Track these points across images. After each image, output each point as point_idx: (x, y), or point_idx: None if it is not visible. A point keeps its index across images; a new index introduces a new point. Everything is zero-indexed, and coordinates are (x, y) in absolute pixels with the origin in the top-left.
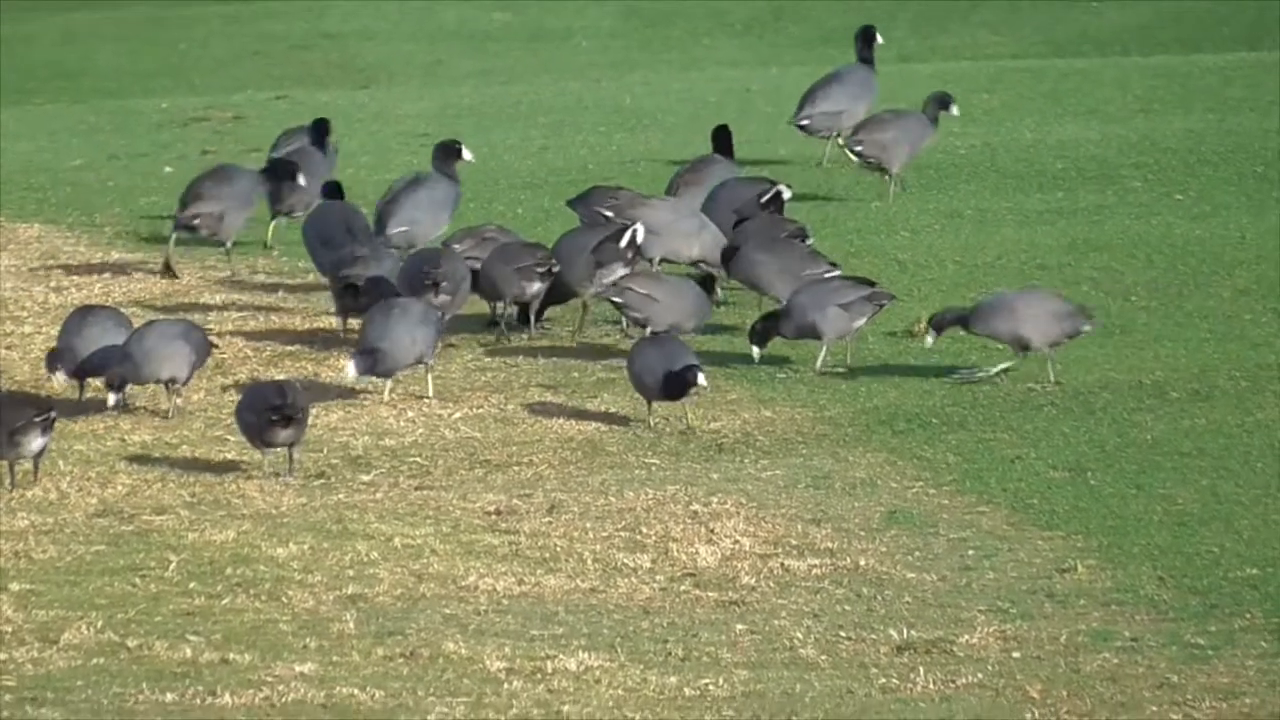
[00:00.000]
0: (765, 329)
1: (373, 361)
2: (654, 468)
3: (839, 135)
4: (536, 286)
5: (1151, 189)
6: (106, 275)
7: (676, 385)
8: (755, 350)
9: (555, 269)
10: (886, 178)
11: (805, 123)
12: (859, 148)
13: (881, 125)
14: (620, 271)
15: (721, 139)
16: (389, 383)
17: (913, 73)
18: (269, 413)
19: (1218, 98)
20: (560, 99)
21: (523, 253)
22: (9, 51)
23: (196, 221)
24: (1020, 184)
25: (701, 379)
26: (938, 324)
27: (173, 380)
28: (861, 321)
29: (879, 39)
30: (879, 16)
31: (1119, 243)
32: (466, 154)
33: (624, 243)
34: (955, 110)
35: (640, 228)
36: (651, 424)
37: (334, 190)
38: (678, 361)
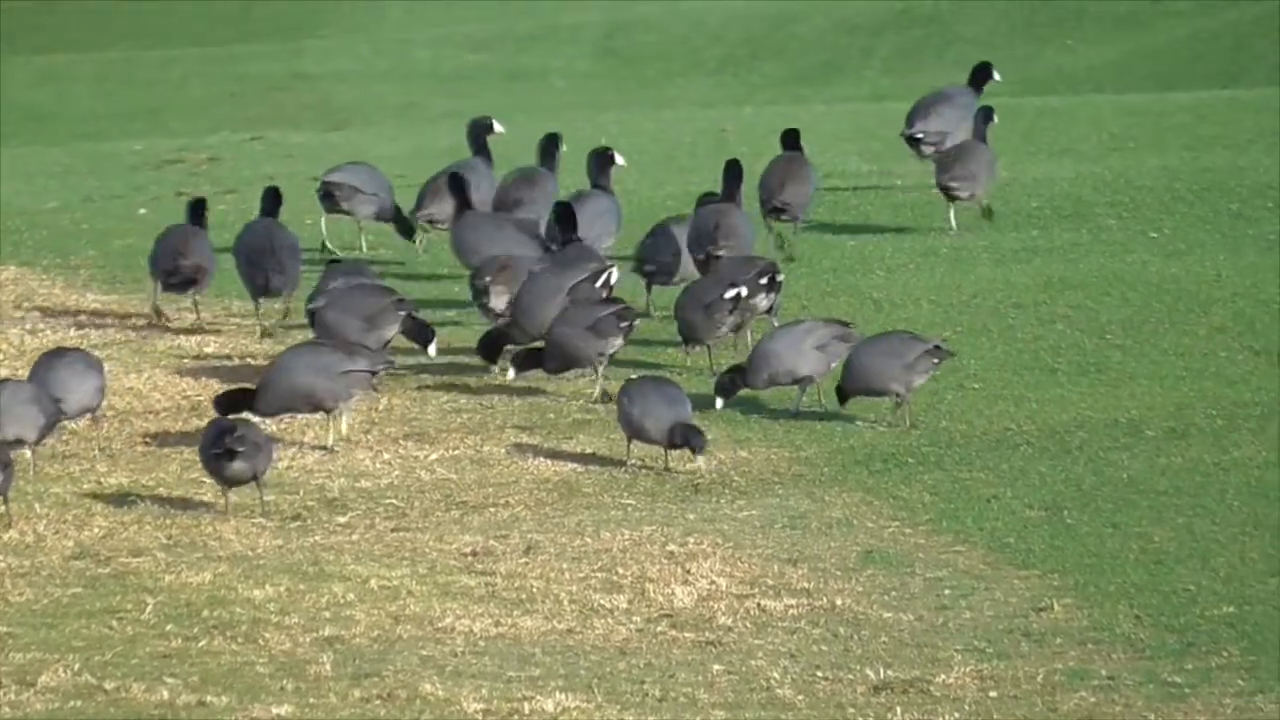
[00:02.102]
0: (732, 382)
1: (231, 402)
2: (630, 508)
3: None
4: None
5: (1126, 227)
6: (81, 317)
7: (680, 438)
8: (719, 402)
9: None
10: (977, 208)
11: (920, 135)
12: (953, 184)
13: (964, 161)
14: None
15: (790, 139)
16: (344, 423)
17: (888, 111)
18: (213, 447)
19: (1192, 135)
20: (535, 139)
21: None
22: None
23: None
24: (995, 222)
25: (701, 462)
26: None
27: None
28: (836, 363)
29: (996, 77)
30: (853, 55)
31: (1094, 281)
32: None
33: (599, 284)
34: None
35: (615, 271)
36: (628, 464)
37: (273, 203)
38: (684, 411)
